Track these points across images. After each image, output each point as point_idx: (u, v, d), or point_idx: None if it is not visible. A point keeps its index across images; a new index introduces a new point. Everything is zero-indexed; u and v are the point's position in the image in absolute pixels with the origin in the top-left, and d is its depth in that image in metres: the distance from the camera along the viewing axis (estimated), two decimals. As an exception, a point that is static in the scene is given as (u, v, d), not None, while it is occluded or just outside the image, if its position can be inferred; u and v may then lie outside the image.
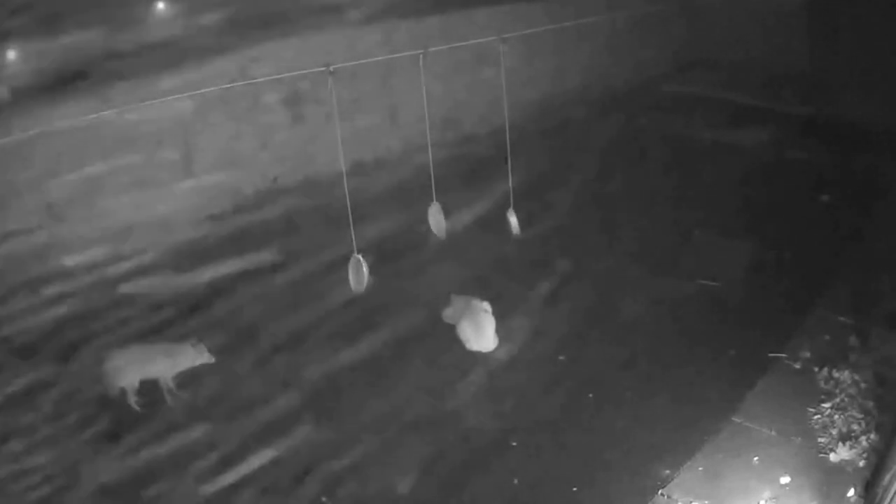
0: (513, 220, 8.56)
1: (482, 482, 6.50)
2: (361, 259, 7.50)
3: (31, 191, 9.28)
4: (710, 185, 11.54)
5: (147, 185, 10.14)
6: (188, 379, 7.69)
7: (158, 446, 6.79)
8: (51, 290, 8.67)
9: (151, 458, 6.69)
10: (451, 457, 6.78)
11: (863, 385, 7.12)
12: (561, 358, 8.06)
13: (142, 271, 9.31)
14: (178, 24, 10.83)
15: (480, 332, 8.03)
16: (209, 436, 6.95)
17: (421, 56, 7.75)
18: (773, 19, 15.33)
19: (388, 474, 6.62)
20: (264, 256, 9.76)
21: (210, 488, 6.38)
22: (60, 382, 7.63)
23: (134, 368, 7.47)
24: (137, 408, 7.47)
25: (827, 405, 6.97)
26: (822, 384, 7.23)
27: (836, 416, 6.81)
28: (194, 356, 7.61)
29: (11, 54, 9.78)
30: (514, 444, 6.93)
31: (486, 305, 8.23)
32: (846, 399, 6.99)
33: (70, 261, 9.27)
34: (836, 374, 7.28)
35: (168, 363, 7.59)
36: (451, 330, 8.19)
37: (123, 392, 7.48)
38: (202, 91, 9.03)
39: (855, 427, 6.65)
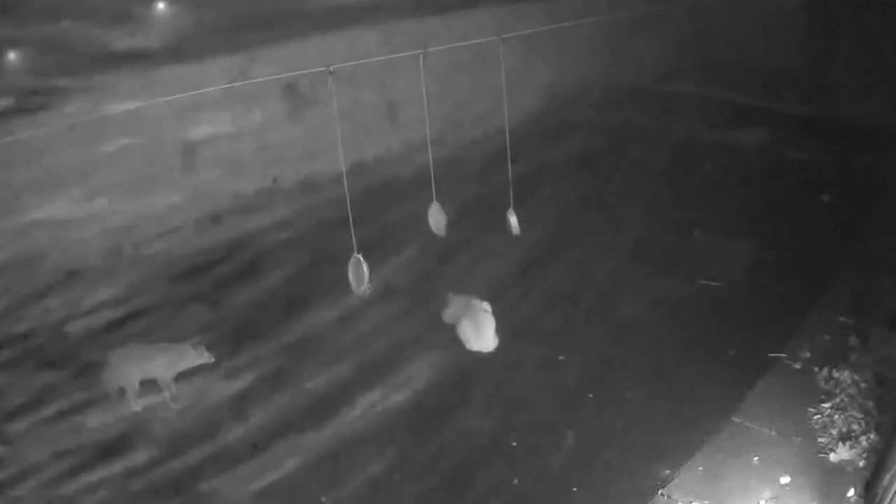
0: (513, 220, 8.55)
1: (482, 482, 6.50)
2: (361, 259, 7.50)
3: (28, 192, 9.27)
4: (710, 185, 11.54)
5: (147, 185, 10.14)
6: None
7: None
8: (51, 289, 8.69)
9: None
10: (451, 457, 6.78)
11: (863, 385, 7.12)
12: (561, 358, 8.06)
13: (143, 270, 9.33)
14: (178, 24, 10.81)
15: (480, 332, 8.02)
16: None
17: (421, 56, 7.75)
18: (773, 19, 15.32)
19: (389, 474, 6.62)
20: (264, 256, 9.77)
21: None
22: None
23: (134, 368, 7.47)
24: (138, 408, 7.48)
25: (827, 405, 6.97)
26: (822, 384, 7.23)
27: (836, 416, 6.81)
28: (194, 356, 7.61)
29: (11, 54, 9.76)
30: (514, 444, 6.94)
31: (486, 305, 8.23)
32: (846, 399, 6.99)
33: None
34: (836, 374, 7.28)
35: (168, 363, 7.58)
36: (451, 330, 8.20)
37: (122, 392, 7.48)
38: (202, 91, 9.03)
39: (855, 427, 6.65)
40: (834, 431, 6.65)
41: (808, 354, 7.67)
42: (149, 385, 7.58)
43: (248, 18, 10.74)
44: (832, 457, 6.40)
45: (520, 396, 7.55)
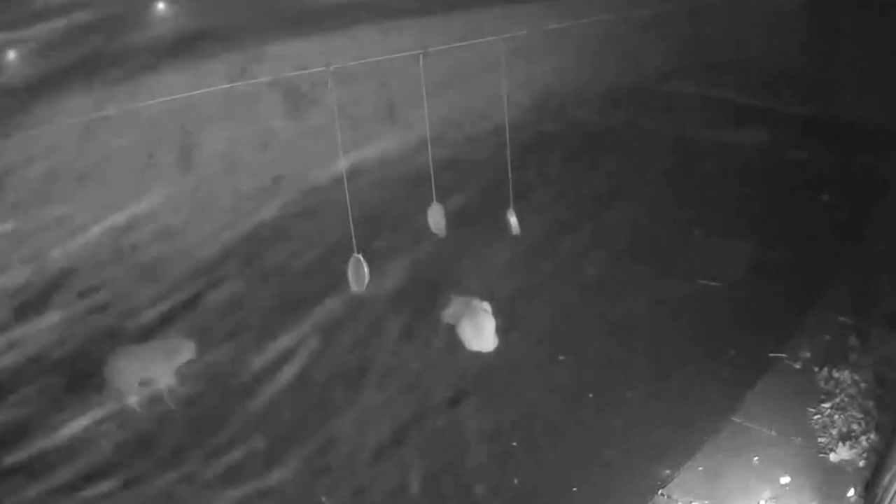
0: (512, 220, 8.56)
1: (482, 482, 6.50)
2: (361, 259, 7.50)
3: (28, 192, 9.27)
4: (710, 185, 11.53)
5: (147, 185, 10.13)
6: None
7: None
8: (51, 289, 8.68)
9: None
10: (451, 457, 6.78)
11: (863, 385, 7.12)
12: (561, 358, 8.06)
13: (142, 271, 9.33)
14: (178, 24, 10.81)
15: (480, 332, 8.01)
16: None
17: (421, 56, 7.75)
18: (773, 19, 15.31)
19: (388, 474, 6.61)
20: (264, 256, 9.76)
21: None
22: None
23: (133, 368, 7.47)
24: (138, 409, 7.47)
25: (827, 405, 6.97)
26: (822, 384, 7.23)
27: (836, 416, 6.81)
28: (189, 352, 7.66)
29: (11, 54, 9.77)
30: (514, 444, 6.93)
31: (486, 305, 8.22)
32: (846, 399, 6.99)
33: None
34: (836, 374, 7.28)
35: (167, 361, 7.60)
36: (451, 330, 8.20)
37: (122, 393, 7.48)
38: (202, 91, 9.03)
39: (855, 427, 6.65)
40: (834, 431, 6.65)
41: (808, 354, 7.67)
42: (148, 385, 7.60)
43: (248, 18, 10.77)
44: (832, 457, 6.40)
45: (520, 396, 7.55)
